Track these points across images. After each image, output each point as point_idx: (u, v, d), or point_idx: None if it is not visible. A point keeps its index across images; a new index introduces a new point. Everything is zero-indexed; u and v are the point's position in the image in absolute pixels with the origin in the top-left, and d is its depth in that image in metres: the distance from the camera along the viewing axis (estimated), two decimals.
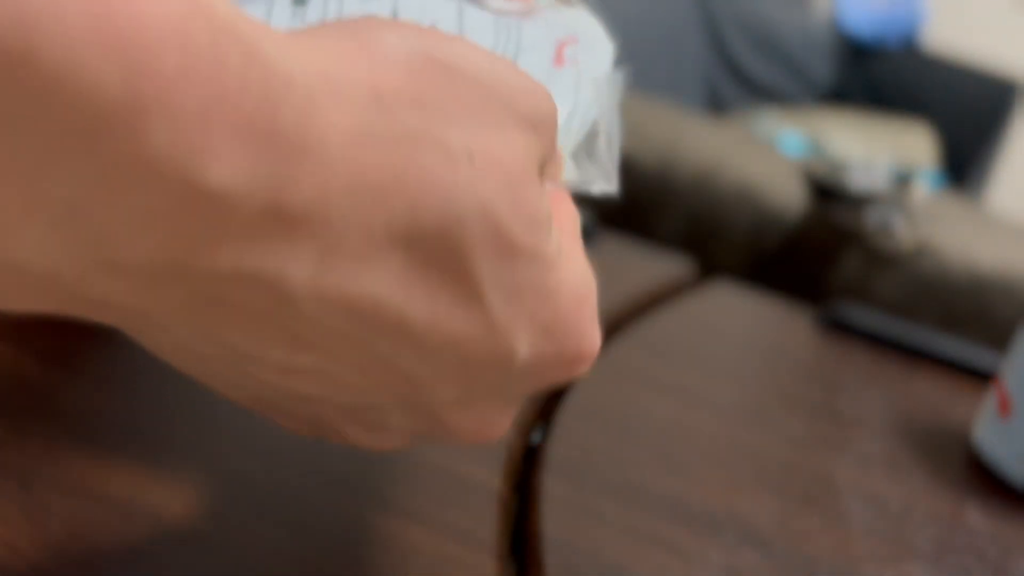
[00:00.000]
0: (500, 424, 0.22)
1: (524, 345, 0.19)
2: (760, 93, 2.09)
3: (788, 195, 0.75)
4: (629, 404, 0.38)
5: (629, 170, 0.78)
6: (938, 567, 0.31)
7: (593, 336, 0.21)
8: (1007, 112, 2.02)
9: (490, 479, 0.31)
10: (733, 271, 0.75)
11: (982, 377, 0.48)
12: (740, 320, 0.49)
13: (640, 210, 0.78)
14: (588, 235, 0.55)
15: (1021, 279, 0.70)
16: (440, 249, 0.17)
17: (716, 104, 2.08)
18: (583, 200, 0.79)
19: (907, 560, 0.31)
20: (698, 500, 0.32)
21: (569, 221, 0.22)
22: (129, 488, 0.28)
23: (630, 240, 0.57)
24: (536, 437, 0.36)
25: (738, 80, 2.09)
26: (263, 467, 0.30)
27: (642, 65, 1.82)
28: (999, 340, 0.73)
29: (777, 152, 0.92)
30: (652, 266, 0.53)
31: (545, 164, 0.20)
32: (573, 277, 0.20)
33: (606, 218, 0.79)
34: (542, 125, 0.19)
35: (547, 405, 0.38)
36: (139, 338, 0.18)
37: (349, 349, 0.18)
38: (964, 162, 2.03)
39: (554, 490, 0.31)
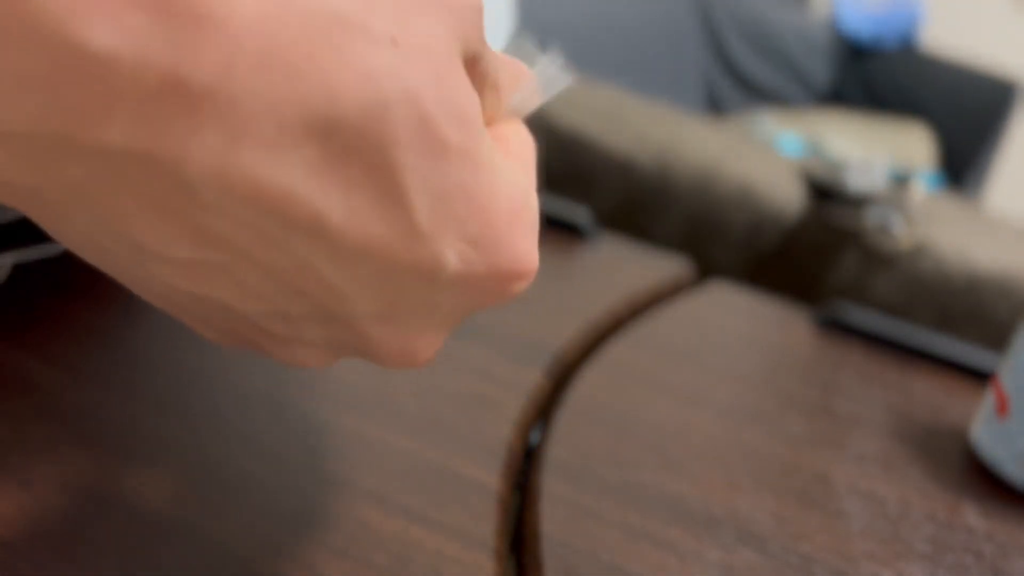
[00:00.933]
0: (427, 346, 0.20)
1: (452, 256, 0.18)
2: (758, 94, 2.09)
3: (786, 195, 0.75)
4: (627, 404, 0.38)
5: (628, 171, 0.78)
6: (935, 566, 0.32)
7: (528, 252, 0.19)
8: (1005, 113, 2.02)
9: (489, 478, 0.31)
10: (731, 271, 0.75)
11: (980, 377, 0.49)
12: (738, 320, 0.49)
13: (639, 210, 0.78)
14: (587, 235, 0.55)
15: (1018, 279, 0.70)
16: (360, 139, 0.15)
17: (715, 106, 2.09)
18: (581, 199, 0.79)
19: (904, 559, 0.32)
20: (696, 499, 0.32)
21: (520, 145, 0.21)
22: (129, 488, 0.28)
23: (628, 241, 0.57)
24: (535, 437, 0.36)
25: (736, 81, 2.10)
26: (263, 467, 0.30)
27: (641, 67, 1.83)
28: (996, 340, 0.73)
29: (775, 152, 0.92)
30: (650, 267, 0.53)
31: (476, 61, 0.19)
32: (508, 189, 0.19)
33: (605, 218, 0.80)
34: (466, 14, 0.17)
35: (546, 405, 0.38)
36: (41, 222, 0.17)
37: (260, 246, 0.16)
38: (962, 163, 2.03)
39: (553, 489, 0.32)
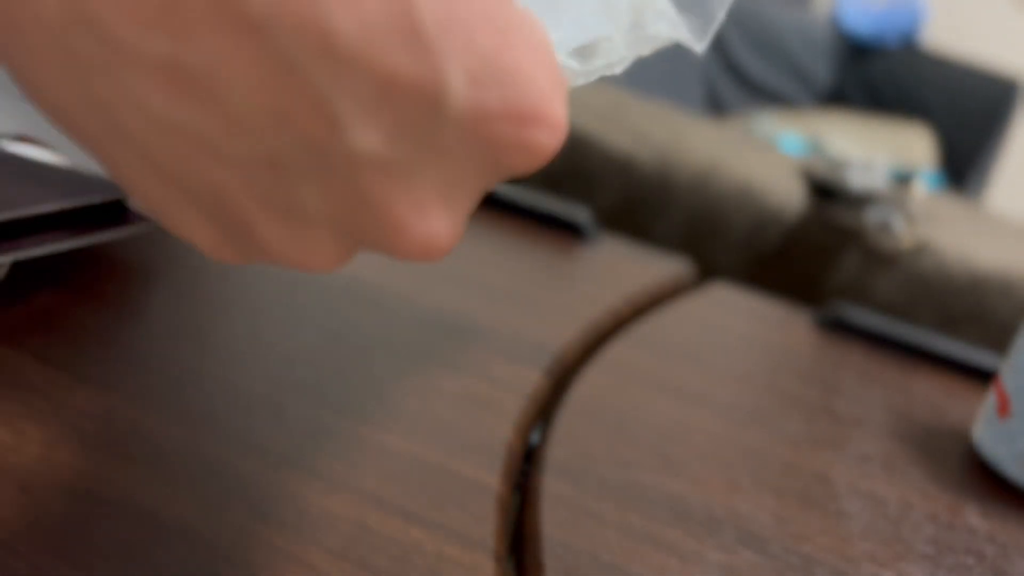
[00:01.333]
0: (445, 224, 0.18)
1: (458, 79, 0.16)
2: (760, 94, 2.09)
3: (787, 194, 0.75)
4: (628, 404, 0.38)
5: (628, 170, 0.78)
6: (936, 567, 0.31)
7: (551, 95, 0.17)
8: (1007, 112, 2.02)
9: (489, 479, 0.31)
10: (732, 270, 0.75)
11: (981, 377, 0.49)
12: (739, 321, 0.49)
13: (639, 209, 0.78)
14: (587, 236, 0.55)
15: (1020, 279, 0.70)
16: None
17: (716, 105, 2.09)
18: (582, 198, 0.79)
19: (905, 560, 0.31)
20: (697, 500, 0.32)
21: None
22: (128, 489, 0.28)
23: (629, 241, 0.57)
24: (535, 437, 0.36)
25: (738, 81, 2.10)
26: (263, 468, 0.30)
27: (641, 66, 1.83)
28: (998, 340, 0.73)
29: (776, 151, 0.93)
30: (651, 268, 0.53)
31: None
32: (529, 21, 0.17)
33: (605, 217, 0.80)
34: None
35: (546, 405, 0.38)
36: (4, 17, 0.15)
37: (244, 49, 0.15)
38: (963, 162, 2.03)
39: (553, 490, 0.31)
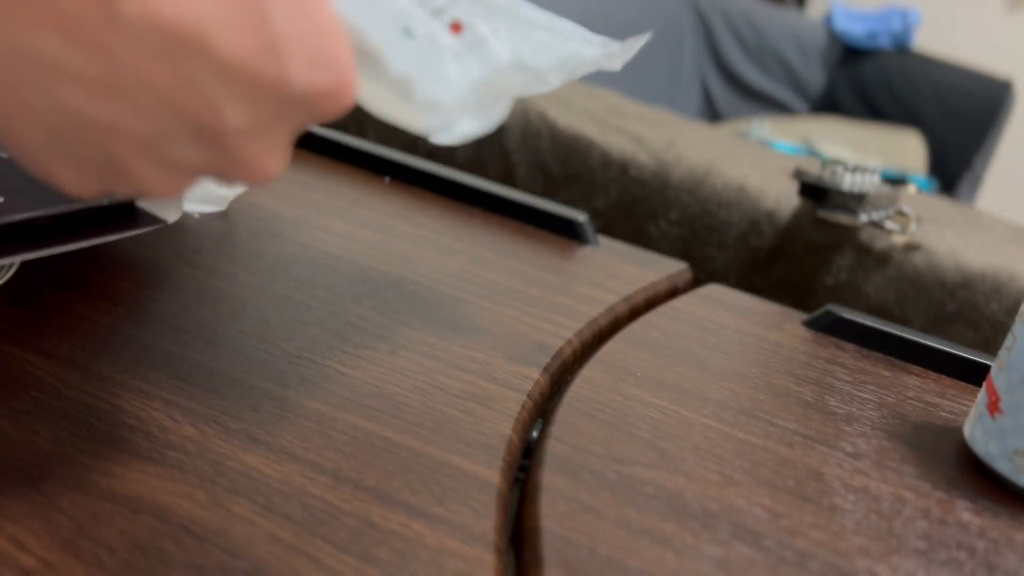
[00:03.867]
0: (281, 156, 0.25)
1: (299, 69, 0.23)
2: (755, 99, 2.10)
3: (782, 194, 0.76)
4: (625, 402, 0.38)
5: (625, 172, 0.79)
6: (929, 562, 0.32)
7: (354, 74, 0.25)
8: (1000, 113, 2.03)
9: (490, 475, 0.32)
10: (727, 269, 0.76)
11: (972, 376, 0.49)
12: (734, 321, 0.49)
13: (636, 211, 0.79)
14: (586, 238, 0.55)
15: (1011, 278, 0.71)
16: None
17: (711, 110, 2.09)
18: (580, 199, 0.79)
19: (898, 555, 0.32)
20: (692, 495, 0.33)
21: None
22: (136, 485, 0.28)
23: (627, 244, 0.57)
24: (535, 433, 0.37)
25: (733, 86, 2.10)
26: (267, 462, 0.30)
27: (640, 72, 1.83)
28: (989, 339, 0.73)
29: (772, 151, 0.93)
30: (649, 269, 0.54)
31: None
32: (336, 20, 0.24)
33: (601, 218, 0.80)
34: None
35: (545, 402, 0.39)
36: None
37: (158, 68, 0.21)
38: (955, 165, 2.04)
39: (552, 485, 0.32)
